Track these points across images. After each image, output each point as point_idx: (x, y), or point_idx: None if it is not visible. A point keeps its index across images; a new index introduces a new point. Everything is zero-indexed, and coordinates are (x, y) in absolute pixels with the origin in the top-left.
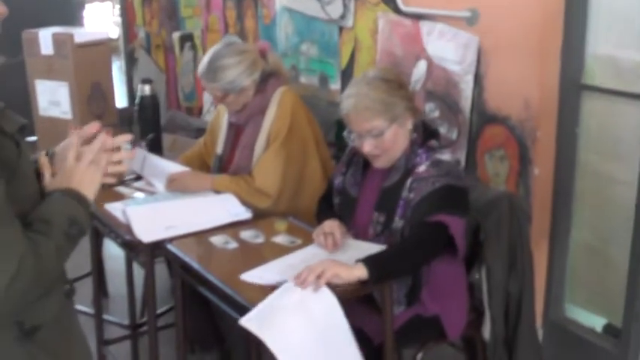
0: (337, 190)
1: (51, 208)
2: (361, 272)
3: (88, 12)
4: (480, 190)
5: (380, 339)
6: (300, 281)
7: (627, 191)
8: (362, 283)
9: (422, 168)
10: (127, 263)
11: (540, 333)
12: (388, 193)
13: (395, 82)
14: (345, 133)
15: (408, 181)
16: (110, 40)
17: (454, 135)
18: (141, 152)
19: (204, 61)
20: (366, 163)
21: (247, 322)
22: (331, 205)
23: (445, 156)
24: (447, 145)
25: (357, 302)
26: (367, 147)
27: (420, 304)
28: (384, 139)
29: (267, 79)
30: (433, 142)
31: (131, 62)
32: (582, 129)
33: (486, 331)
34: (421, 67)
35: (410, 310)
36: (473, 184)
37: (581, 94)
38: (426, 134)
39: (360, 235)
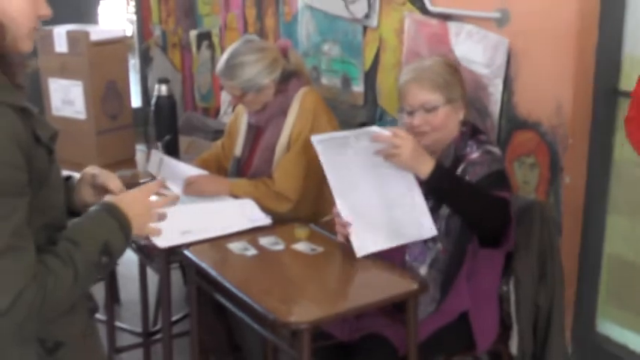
0: None
1: (86, 226)
2: (427, 168)
3: (103, 8)
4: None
5: (405, 349)
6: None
7: None
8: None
9: (475, 155)
10: (141, 269)
11: (569, 349)
12: None
13: (455, 68)
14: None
15: (461, 167)
16: (127, 38)
17: None
18: (157, 154)
19: (223, 58)
20: None
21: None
22: None
23: (495, 149)
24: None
25: (383, 312)
26: (417, 120)
27: (446, 314)
28: (436, 115)
29: (289, 79)
30: (483, 137)
31: (146, 61)
32: (618, 136)
33: (514, 346)
34: None
35: (437, 319)
36: None
37: (617, 99)
38: (474, 130)
39: None
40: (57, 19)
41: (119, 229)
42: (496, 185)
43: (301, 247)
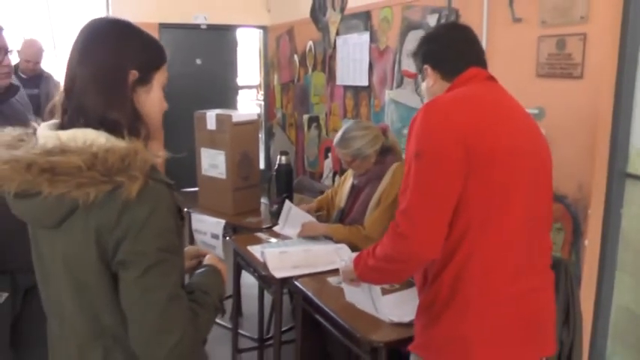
0: None
1: (209, 280)
2: None
3: (240, 96)
4: None
5: None
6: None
7: None
8: None
9: None
10: (259, 291)
11: None
12: None
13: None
14: None
15: None
16: (257, 119)
17: None
18: (288, 204)
19: (339, 133)
20: None
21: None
22: None
23: None
24: None
25: None
26: None
27: None
28: None
29: (387, 153)
30: None
31: (269, 136)
32: (626, 210)
33: None
34: None
35: None
36: None
37: (626, 180)
38: None
39: None
40: (209, 106)
41: (223, 283)
42: None
43: (386, 286)
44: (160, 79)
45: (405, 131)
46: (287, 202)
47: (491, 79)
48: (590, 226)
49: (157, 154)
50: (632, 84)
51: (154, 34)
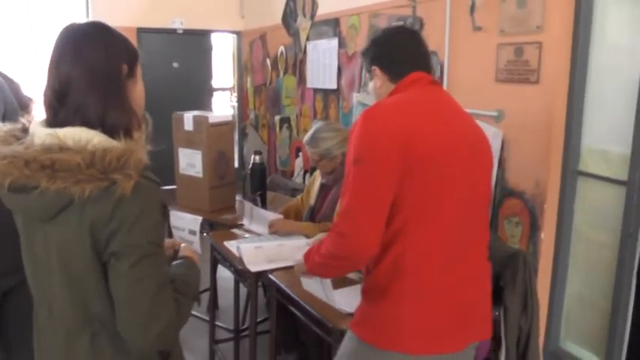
0: None
1: (189, 271)
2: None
3: (215, 98)
4: (501, 246)
5: None
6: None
7: (610, 254)
8: None
9: None
10: (235, 284)
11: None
12: None
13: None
14: None
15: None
16: (232, 121)
17: None
18: (248, 205)
19: (310, 132)
20: None
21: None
22: None
23: None
24: None
25: None
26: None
27: None
28: None
29: None
30: None
31: (243, 136)
32: (578, 205)
33: (502, 356)
34: None
35: None
36: (496, 242)
37: (578, 178)
38: None
39: None
40: (186, 107)
41: (199, 273)
42: None
43: (351, 275)
44: (139, 70)
45: None
46: (246, 202)
47: (435, 83)
48: (545, 220)
49: (143, 144)
50: (583, 88)
51: (133, 38)
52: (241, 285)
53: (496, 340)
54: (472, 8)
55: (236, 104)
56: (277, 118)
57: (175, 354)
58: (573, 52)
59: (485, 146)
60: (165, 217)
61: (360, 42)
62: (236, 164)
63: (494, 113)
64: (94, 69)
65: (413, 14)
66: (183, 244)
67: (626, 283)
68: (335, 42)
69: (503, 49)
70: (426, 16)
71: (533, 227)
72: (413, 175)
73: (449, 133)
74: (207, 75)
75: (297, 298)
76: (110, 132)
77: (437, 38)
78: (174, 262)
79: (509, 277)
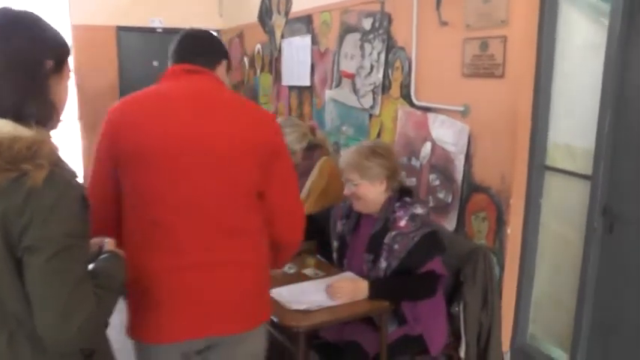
0: (338, 235)
1: (112, 265)
2: (364, 292)
3: None
4: (461, 242)
5: (374, 352)
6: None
7: (576, 249)
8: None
9: (402, 222)
10: None
11: (508, 355)
12: (375, 239)
13: (378, 152)
14: None
15: (393, 233)
16: None
17: (449, 199)
18: None
19: None
20: (359, 216)
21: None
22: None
23: (418, 210)
24: (423, 202)
25: (357, 322)
26: (346, 190)
27: (408, 325)
28: (358, 187)
29: (314, 150)
30: (407, 199)
31: None
32: (544, 200)
33: (462, 352)
34: (427, 147)
35: (400, 329)
36: (456, 237)
37: (544, 172)
38: (401, 193)
39: (355, 270)
40: None
41: (124, 267)
42: (426, 254)
43: (308, 271)
44: (67, 69)
45: (344, 128)
46: None
47: (191, 72)
48: (512, 216)
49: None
50: (549, 82)
51: (112, 37)
52: None
53: (456, 336)
54: (438, 3)
55: None
56: None
57: (101, 352)
58: (539, 45)
59: (243, 135)
60: (88, 209)
61: (332, 38)
62: None
63: (461, 108)
64: (15, 57)
65: (381, 10)
66: (107, 240)
67: (590, 278)
68: (308, 39)
69: (469, 44)
70: (393, 12)
71: (500, 222)
72: (125, 168)
73: (171, 124)
74: None
75: None
76: (25, 122)
77: (404, 34)
78: (100, 257)
79: (469, 272)
